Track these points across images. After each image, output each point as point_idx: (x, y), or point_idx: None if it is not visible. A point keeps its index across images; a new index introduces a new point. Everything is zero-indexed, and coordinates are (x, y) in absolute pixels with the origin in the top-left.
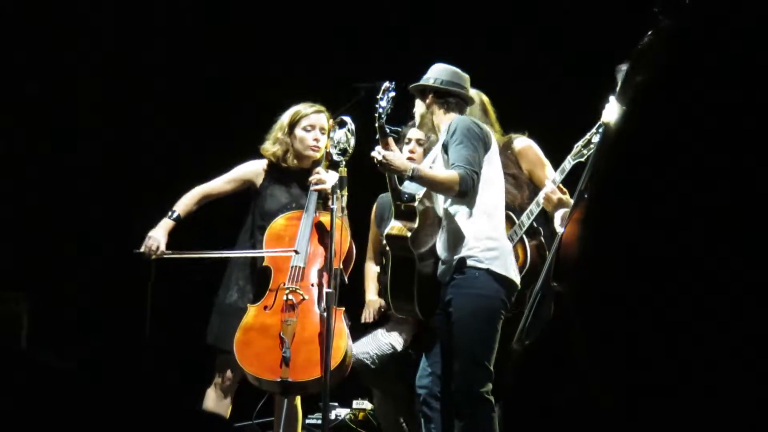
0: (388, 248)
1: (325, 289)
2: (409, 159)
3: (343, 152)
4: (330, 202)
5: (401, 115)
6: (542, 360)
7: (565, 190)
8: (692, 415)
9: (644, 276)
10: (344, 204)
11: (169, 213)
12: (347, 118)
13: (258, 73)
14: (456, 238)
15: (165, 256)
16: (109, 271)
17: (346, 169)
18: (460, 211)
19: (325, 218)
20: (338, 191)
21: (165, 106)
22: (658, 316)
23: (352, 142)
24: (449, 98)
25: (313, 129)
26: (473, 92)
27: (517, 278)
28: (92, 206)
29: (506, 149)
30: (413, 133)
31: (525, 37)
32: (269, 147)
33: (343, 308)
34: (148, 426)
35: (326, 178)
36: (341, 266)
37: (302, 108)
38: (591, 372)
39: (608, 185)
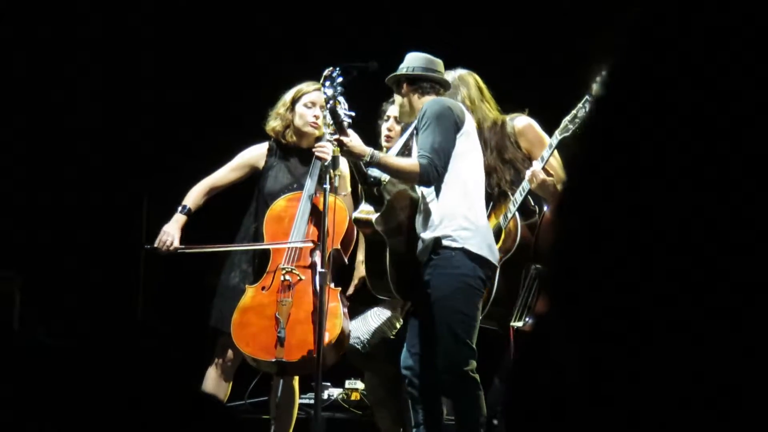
0: (359, 231)
1: (319, 269)
2: (387, 137)
3: None
4: (324, 181)
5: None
6: (532, 348)
7: (551, 172)
8: (666, 408)
9: (612, 268)
10: (348, 184)
11: (180, 208)
12: (341, 98)
13: (247, 59)
14: (431, 217)
15: (178, 251)
16: (101, 249)
17: (340, 148)
18: (433, 189)
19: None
20: (332, 170)
21: (163, 91)
22: (622, 305)
23: (347, 121)
24: (423, 83)
25: (313, 106)
26: (464, 72)
27: (493, 256)
28: (85, 183)
29: (504, 128)
30: (392, 110)
31: (513, 13)
32: (271, 122)
33: (340, 288)
34: (144, 404)
35: (329, 149)
36: (339, 247)
37: (304, 86)
38: (565, 363)
39: (579, 171)
